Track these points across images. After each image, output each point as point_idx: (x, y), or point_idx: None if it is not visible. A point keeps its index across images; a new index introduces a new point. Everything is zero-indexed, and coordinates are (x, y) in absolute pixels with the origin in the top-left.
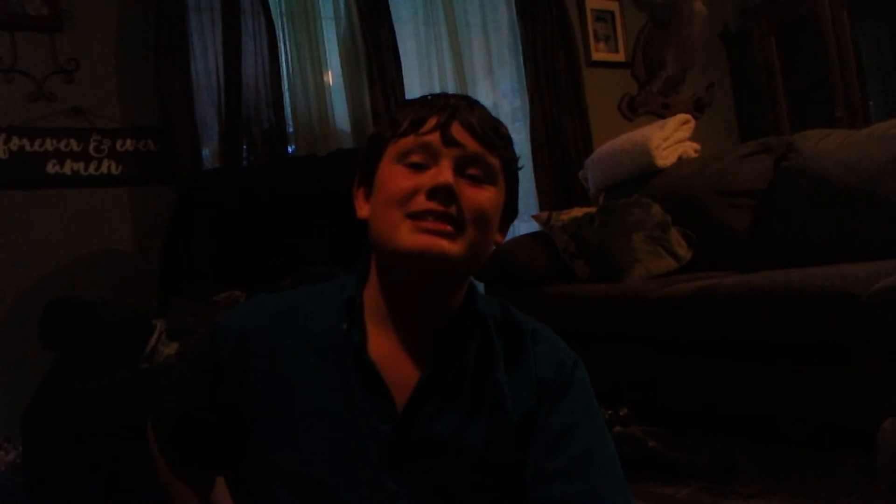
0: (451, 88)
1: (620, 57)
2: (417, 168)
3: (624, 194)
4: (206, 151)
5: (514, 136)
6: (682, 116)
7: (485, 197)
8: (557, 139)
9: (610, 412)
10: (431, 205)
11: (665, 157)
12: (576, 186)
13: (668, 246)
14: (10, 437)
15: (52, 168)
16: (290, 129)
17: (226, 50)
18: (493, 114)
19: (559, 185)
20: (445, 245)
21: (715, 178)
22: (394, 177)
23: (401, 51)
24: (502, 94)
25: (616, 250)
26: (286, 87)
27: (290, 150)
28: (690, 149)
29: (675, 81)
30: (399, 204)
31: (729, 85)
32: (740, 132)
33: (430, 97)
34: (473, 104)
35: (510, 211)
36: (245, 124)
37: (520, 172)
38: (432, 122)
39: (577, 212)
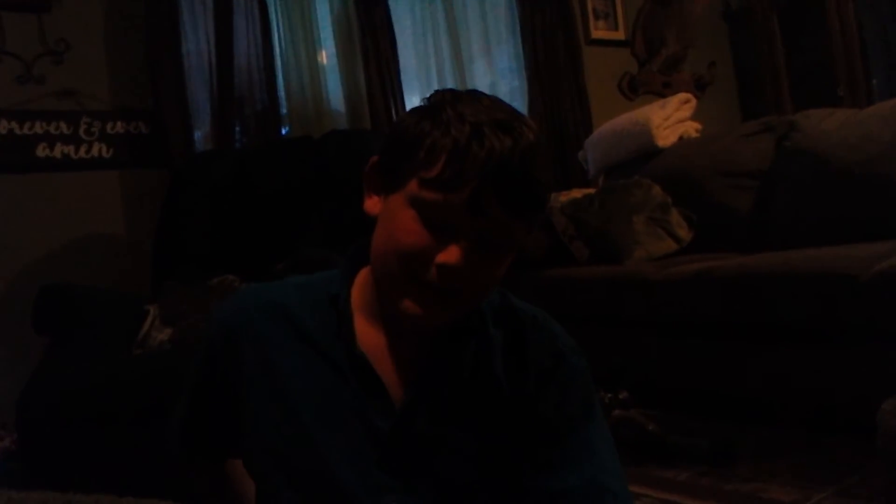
0: (447, 68)
1: (620, 35)
2: (433, 225)
3: (624, 175)
4: (198, 133)
5: None
6: (683, 96)
7: (498, 270)
8: (556, 119)
9: (609, 395)
10: (434, 280)
11: (666, 137)
12: (575, 167)
13: (668, 227)
14: (5, 423)
15: (42, 151)
16: (284, 111)
17: (217, 29)
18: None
19: (558, 167)
20: (437, 316)
21: (716, 158)
22: (405, 226)
23: (396, 29)
24: (500, 73)
25: (616, 232)
26: (279, 67)
27: (283, 131)
28: (691, 128)
29: (676, 60)
30: (403, 261)
31: (730, 63)
32: (742, 111)
33: (477, 137)
34: (526, 156)
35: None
36: (238, 105)
37: None
38: (466, 187)
39: (577, 193)
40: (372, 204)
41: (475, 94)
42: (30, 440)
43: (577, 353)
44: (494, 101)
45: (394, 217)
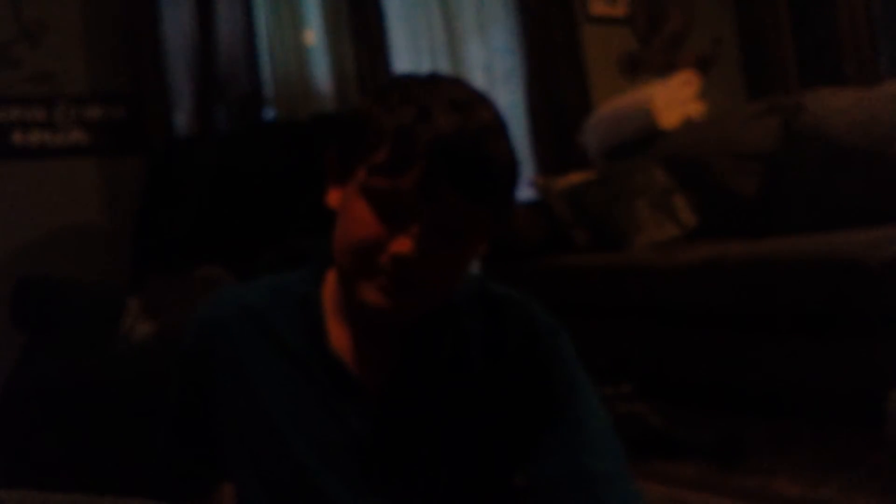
0: (440, 47)
1: (620, 12)
2: (386, 214)
3: (625, 157)
4: (179, 118)
5: (508, 97)
6: (687, 74)
7: (463, 258)
8: (554, 100)
9: (612, 389)
10: (388, 269)
11: (669, 118)
12: (574, 150)
13: (672, 212)
14: None
15: (17, 139)
16: (269, 93)
17: (198, 8)
18: (486, 76)
19: (557, 150)
20: (402, 306)
21: (721, 140)
22: (357, 217)
23: (386, 6)
24: (495, 53)
25: (618, 217)
26: (264, 47)
27: (268, 114)
28: (695, 109)
29: (679, 37)
30: (357, 254)
31: (735, 41)
32: (747, 90)
33: (423, 117)
34: (480, 135)
35: (498, 226)
36: (220, 88)
37: (515, 136)
38: (414, 170)
39: (577, 177)
40: (333, 197)
41: (434, 77)
42: (7, 439)
43: (554, 331)
44: (455, 84)
45: (347, 209)
